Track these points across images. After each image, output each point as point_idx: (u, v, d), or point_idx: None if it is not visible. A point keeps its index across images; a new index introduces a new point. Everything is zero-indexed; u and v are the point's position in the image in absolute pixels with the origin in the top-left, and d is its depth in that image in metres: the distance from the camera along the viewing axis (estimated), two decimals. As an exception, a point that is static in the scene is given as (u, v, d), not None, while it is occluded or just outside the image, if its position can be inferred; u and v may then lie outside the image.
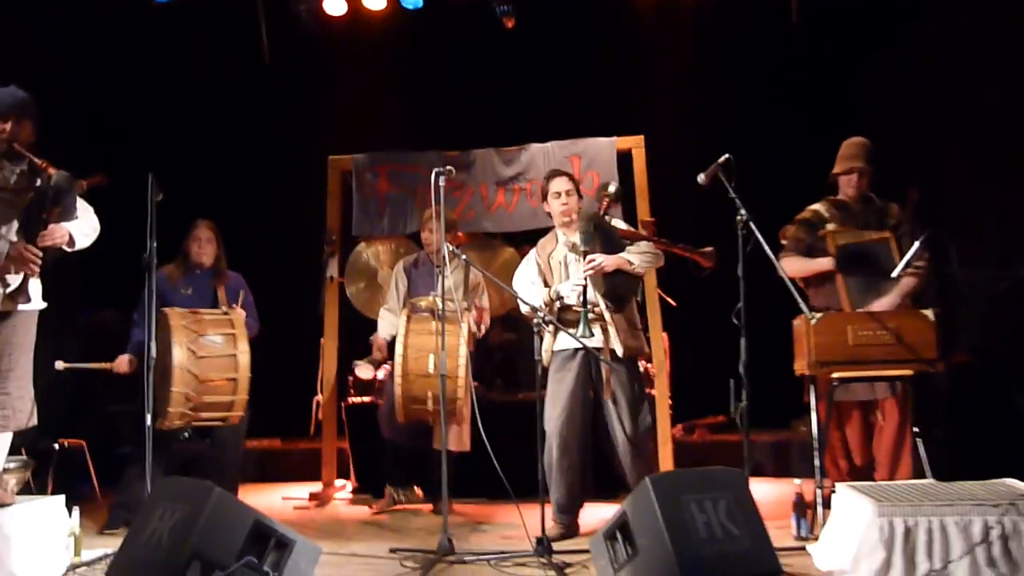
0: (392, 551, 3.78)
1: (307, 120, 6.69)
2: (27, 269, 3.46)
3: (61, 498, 3.66)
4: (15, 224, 3.51)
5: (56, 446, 4.97)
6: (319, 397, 5.74)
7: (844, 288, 4.18)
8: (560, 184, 4.31)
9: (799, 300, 3.80)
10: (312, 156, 5.96)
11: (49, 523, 3.52)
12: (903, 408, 4.09)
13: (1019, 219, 5.09)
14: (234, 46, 6.45)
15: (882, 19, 6.01)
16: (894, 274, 4.03)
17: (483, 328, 4.99)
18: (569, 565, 3.48)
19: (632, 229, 4.52)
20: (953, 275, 4.15)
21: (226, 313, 4.47)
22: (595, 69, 6.64)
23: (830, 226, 4.31)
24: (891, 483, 3.62)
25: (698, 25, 6.34)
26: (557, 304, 4.19)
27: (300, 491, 5.47)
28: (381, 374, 5.29)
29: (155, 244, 3.76)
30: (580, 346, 4.08)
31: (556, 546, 3.69)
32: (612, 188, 4.34)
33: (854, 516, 3.19)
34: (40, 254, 3.47)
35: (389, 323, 5.00)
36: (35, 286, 3.59)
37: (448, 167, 3.89)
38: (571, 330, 4.08)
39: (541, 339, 3.89)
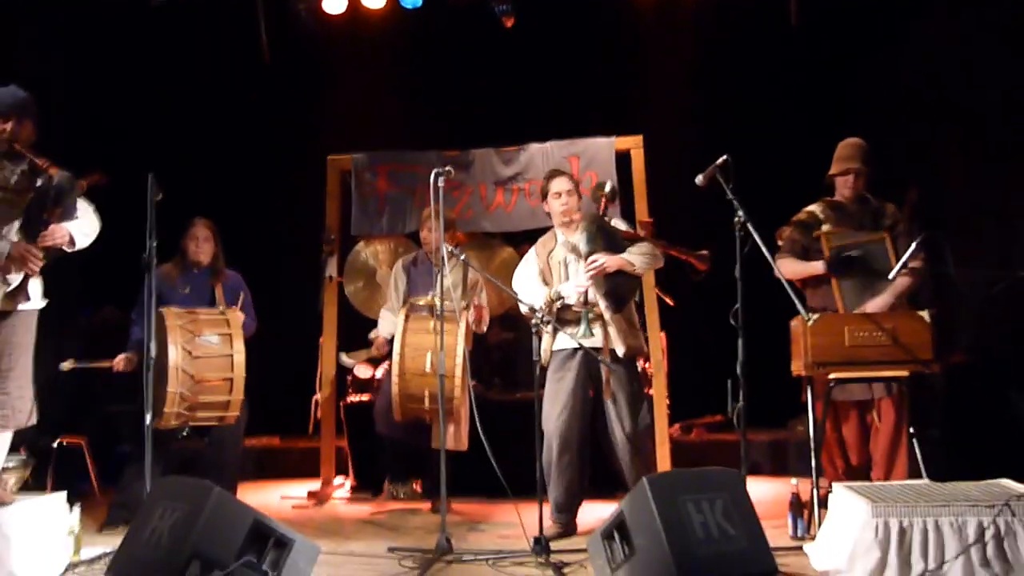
0: (390, 550, 3.79)
1: (306, 119, 6.70)
2: (28, 269, 3.47)
3: (61, 496, 3.67)
4: (16, 224, 3.52)
5: (55, 445, 4.98)
6: (318, 396, 5.76)
7: (838, 290, 4.21)
8: (560, 184, 4.32)
9: (796, 301, 3.81)
10: (311, 155, 5.97)
11: (49, 521, 3.54)
12: (899, 408, 4.10)
13: (1018, 219, 5.11)
14: (233, 45, 6.45)
15: (882, 19, 6.01)
16: (891, 276, 4.06)
17: (483, 325, 5.01)
18: (567, 564, 3.50)
19: (632, 230, 4.53)
20: (950, 275, 4.15)
21: (222, 313, 4.47)
22: (594, 69, 6.64)
23: (825, 227, 4.33)
24: (886, 483, 3.65)
25: (697, 25, 6.34)
26: (557, 304, 4.21)
27: (299, 489, 5.49)
28: (380, 373, 5.31)
29: (155, 244, 3.77)
30: (579, 346, 4.10)
31: (554, 545, 3.70)
32: (608, 187, 4.36)
33: (850, 516, 3.21)
34: (41, 254, 3.48)
35: (389, 322, 5.02)
36: (35, 285, 3.60)
37: (447, 167, 3.89)
38: (570, 330, 4.10)
39: (539, 339, 3.91)
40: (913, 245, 3.95)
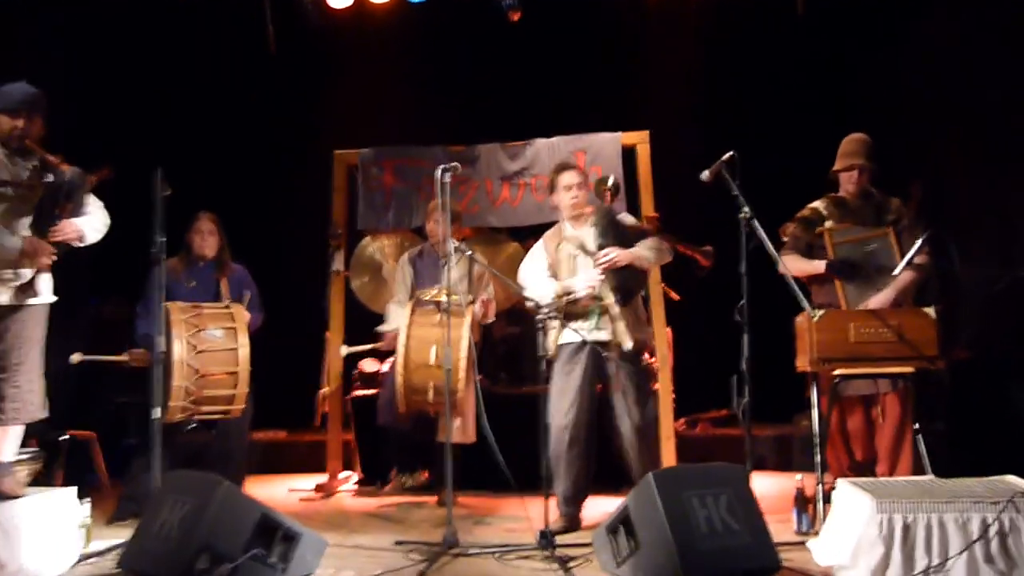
0: (397, 543, 3.82)
1: (312, 114, 6.71)
2: (39, 264, 3.50)
3: (72, 490, 3.70)
4: (27, 219, 3.55)
5: (65, 438, 5.01)
6: (324, 389, 5.78)
7: (841, 288, 4.22)
8: (570, 178, 4.33)
9: (800, 297, 3.83)
10: (317, 150, 5.98)
11: (60, 514, 3.56)
12: (904, 404, 4.11)
13: (1018, 219, 5.11)
14: (239, 39, 6.46)
15: (882, 19, 6.01)
16: (896, 272, 4.07)
17: (490, 317, 5.02)
18: (572, 558, 3.51)
19: (639, 224, 4.55)
20: (954, 272, 4.17)
21: (227, 307, 4.50)
22: (600, 64, 6.64)
23: (828, 223, 4.33)
24: (891, 479, 3.66)
25: (703, 21, 6.33)
26: (568, 298, 4.22)
27: (306, 482, 5.52)
28: (386, 367, 5.34)
29: (163, 239, 3.80)
30: (587, 339, 4.12)
31: (559, 539, 3.71)
32: (611, 182, 4.38)
33: (854, 512, 3.22)
34: (53, 249, 3.51)
35: (398, 316, 5.04)
36: (45, 280, 3.63)
37: (453, 163, 3.91)
38: (579, 323, 4.12)
39: (545, 334, 3.93)
40: (918, 242, 3.96)
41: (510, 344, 5.88)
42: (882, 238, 4.25)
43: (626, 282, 4.19)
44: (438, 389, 4.36)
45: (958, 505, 3.01)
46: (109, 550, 3.63)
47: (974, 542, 2.94)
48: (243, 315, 4.46)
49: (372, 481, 5.44)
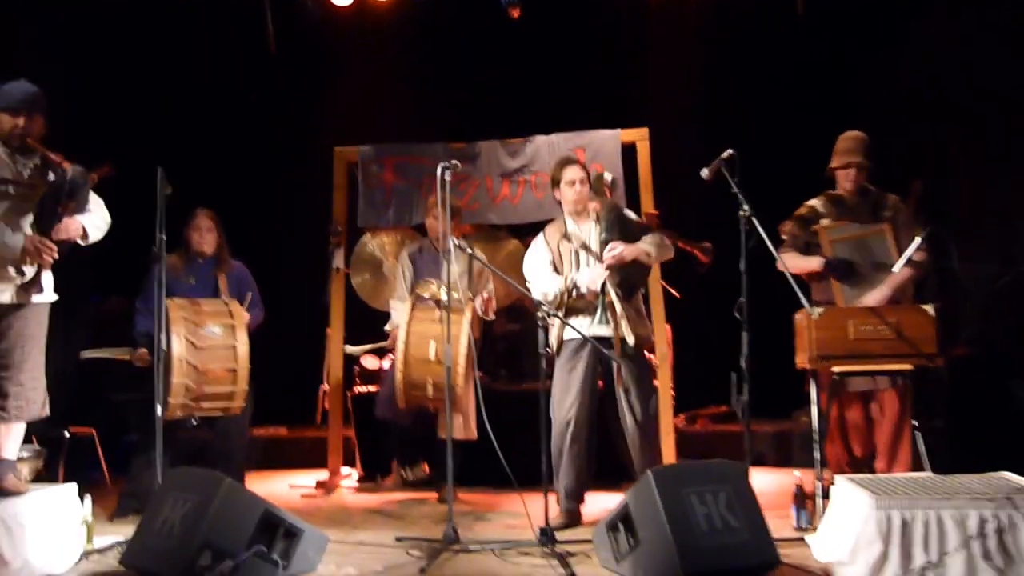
0: (398, 540, 3.83)
1: (312, 111, 6.71)
2: (42, 262, 3.51)
3: (74, 486, 3.72)
4: (29, 217, 3.56)
5: (66, 434, 5.03)
6: (325, 386, 5.80)
7: (837, 287, 4.23)
8: (574, 173, 4.33)
9: (800, 295, 3.84)
10: (318, 147, 5.99)
11: (62, 511, 3.58)
12: (903, 400, 4.13)
13: (1018, 218, 5.12)
14: (239, 37, 6.47)
15: (882, 19, 6.01)
16: (894, 269, 4.08)
17: (491, 313, 5.04)
18: (572, 555, 3.52)
19: (642, 220, 4.57)
20: (953, 270, 4.18)
21: (226, 304, 4.51)
22: (599, 62, 6.65)
23: (824, 221, 4.35)
24: (889, 476, 3.68)
25: (703, 19, 6.34)
26: (573, 293, 4.23)
27: (307, 479, 5.54)
28: (387, 364, 5.35)
29: (165, 237, 3.81)
30: (587, 336, 4.13)
31: (559, 536, 3.73)
32: (609, 177, 4.39)
33: (852, 508, 3.24)
34: (55, 247, 3.52)
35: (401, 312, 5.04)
36: (47, 278, 3.64)
37: (453, 161, 3.91)
38: (583, 319, 4.15)
39: (546, 331, 3.94)
40: (917, 239, 3.97)
41: (510, 341, 5.89)
42: (878, 235, 4.26)
43: (629, 277, 4.22)
44: (437, 385, 4.38)
45: (956, 502, 3.02)
46: (111, 547, 3.65)
47: (972, 539, 2.96)
48: (241, 312, 4.47)
49: (372, 476, 5.47)
